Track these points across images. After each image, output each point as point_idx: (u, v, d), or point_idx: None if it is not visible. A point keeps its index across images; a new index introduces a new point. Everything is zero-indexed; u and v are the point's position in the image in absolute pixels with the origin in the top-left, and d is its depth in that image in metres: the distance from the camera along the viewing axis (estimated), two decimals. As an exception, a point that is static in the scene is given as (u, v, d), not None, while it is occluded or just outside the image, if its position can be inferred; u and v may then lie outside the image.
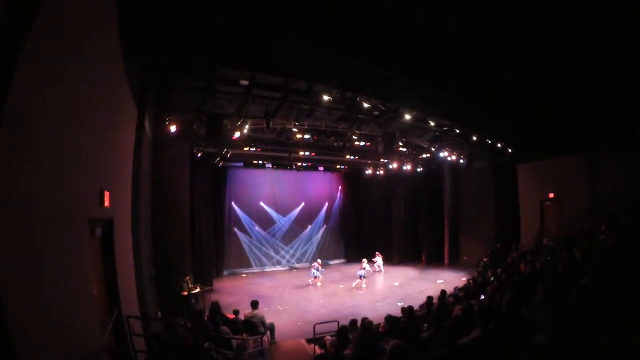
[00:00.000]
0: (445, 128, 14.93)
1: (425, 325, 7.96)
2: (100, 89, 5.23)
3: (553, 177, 17.14)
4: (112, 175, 6.32)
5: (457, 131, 15.10)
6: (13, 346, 2.64)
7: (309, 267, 19.23)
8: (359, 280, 17.51)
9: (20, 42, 2.96)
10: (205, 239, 17.17)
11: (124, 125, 7.15)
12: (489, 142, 16.64)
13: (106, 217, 5.99)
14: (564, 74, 12.65)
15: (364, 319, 8.11)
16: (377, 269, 20.56)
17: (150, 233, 10.63)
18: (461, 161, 18.66)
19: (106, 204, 5.63)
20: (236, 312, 10.34)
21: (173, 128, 11.38)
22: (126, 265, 7.03)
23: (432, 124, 13.84)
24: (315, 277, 18.06)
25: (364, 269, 18.06)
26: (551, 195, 17.27)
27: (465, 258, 21.38)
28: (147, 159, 9.94)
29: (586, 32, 10.31)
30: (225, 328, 8.85)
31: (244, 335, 9.43)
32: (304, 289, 17.67)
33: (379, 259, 21.09)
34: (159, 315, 10.23)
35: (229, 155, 16.33)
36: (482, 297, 8.94)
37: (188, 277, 12.44)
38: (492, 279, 11.38)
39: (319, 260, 18.94)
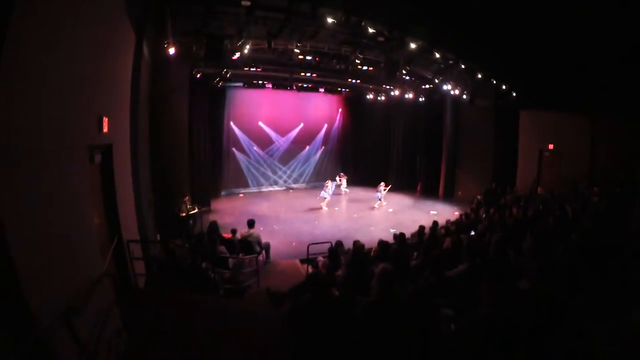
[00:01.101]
0: (450, 62, 14.46)
1: (415, 254, 8.27)
2: (97, 14, 5.05)
3: (555, 130, 16.91)
4: (110, 101, 6.25)
5: (463, 66, 14.68)
6: (16, 273, 2.75)
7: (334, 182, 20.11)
8: (379, 201, 19.19)
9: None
10: (204, 159, 17.28)
11: (122, 50, 6.96)
12: (494, 82, 16.23)
13: (105, 143, 6.02)
14: (578, 30, 12.07)
15: (356, 242, 8.39)
16: (343, 192, 21.72)
17: (148, 157, 10.70)
18: (464, 97, 18.23)
19: (105, 130, 5.64)
20: (234, 232, 10.65)
21: (172, 50, 10.93)
22: (126, 191, 7.16)
23: (437, 56, 13.41)
24: (331, 194, 18.88)
25: (381, 192, 19.22)
26: (551, 146, 17.18)
27: (459, 193, 21.59)
28: (146, 83, 9.76)
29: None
30: (222, 248, 9.22)
31: (240, 254, 9.83)
32: (299, 209, 18.17)
33: (343, 181, 22.21)
34: (158, 238, 10.59)
35: (228, 75, 15.98)
36: (472, 233, 9.20)
37: (187, 198, 12.69)
38: (484, 216, 11.66)
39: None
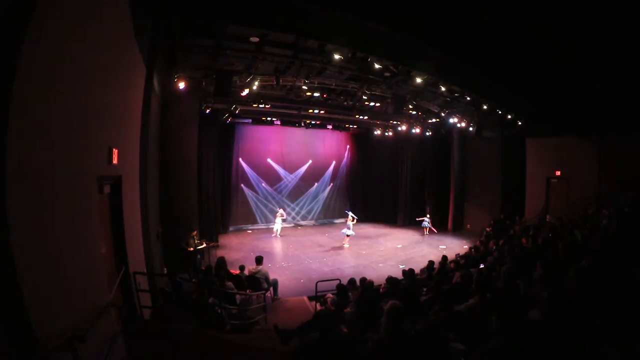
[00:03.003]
0: (456, 94, 14.64)
1: (425, 289, 8.13)
2: (109, 47, 5.16)
3: (561, 156, 16.95)
4: (120, 132, 6.30)
5: (468, 98, 14.82)
6: (23, 300, 2.74)
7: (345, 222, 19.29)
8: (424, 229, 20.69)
9: (33, 2, 2.94)
10: (212, 195, 17.31)
11: (133, 83, 7.08)
12: (500, 112, 16.30)
13: (114, 175, 6.03)
14: (582, 55, 12.24)
15: (364, 279, 8.30)
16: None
17: (157, 190, 10.75)
18: (470, 129, 18.37)
19: (114, 161, 5.66)
20: (242, 268, 10.55)
21: (182, 85, 11.27)
22: (134, 222, 7.13)
23: (443, 89, 13.59)
24: (347, 235, 18.16)
25: (426, 221, 20.67)
26: (558, 173, 17.16)
27: (468, 226, 21.53)
28: (156, 116, 9.93)
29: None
30: (229, 284, 9.08)
31: (248, 290, 9.69)
32: (308, 246, 17.95)
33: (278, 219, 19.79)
34: (165, 271, 10.48)
35: (237, 111, 16.24)
36: (482, 266, 9.04)
37: (195, 232, 12.65)
38: (494, 248, 11.49)
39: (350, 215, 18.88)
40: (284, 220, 20.84)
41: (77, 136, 4.12)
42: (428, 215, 21.10)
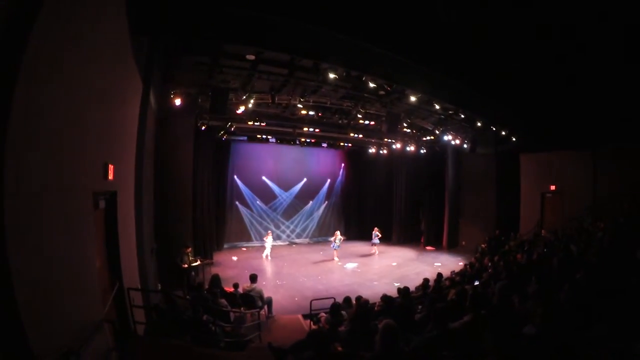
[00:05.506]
0: (450, 112, 14.77)
1: (420, 306, 8.10)
2: (106, 64, 5.23)
3: (556, 170, 17.11)
4: (116, 148, 6.33)
5: (462, 116, 14.96)
6: (19, 314, 2.76)
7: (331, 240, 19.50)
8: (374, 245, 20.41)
9: (32, 19, 3.00)
10: (207, 212, 17.29)
11: (129, 99, 7.15)
12: (494, 129, 16.45)
13: (110, 190, 6.04)
14: (575, 68, 12.48)
15: (359, 298, 8.26)
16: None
17: (152, 206, 10.70)
18: (465, 146, 18.54)
19: (110, 177, 5.68)
20: (236, 286, 10.47)
21: (178, 101, 11.38)
22: (128, 238, 7.13)
23: (437, 107, 13.71)
24: (335, 249, 18.57)
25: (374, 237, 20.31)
26: (553, 187, 17.28)
27: (463, 243, 21.51)
28: (151, 132, 9.93)
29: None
30: (223, 301, 9.01)
31: (242, 308, 9.61)
32: (302, 264, 17.86)
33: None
34: (159, 287, 10.40)
35: (233, 129, 16.29)
36: (477, 282, 9.03)
37: (189, 249, 12.55)
38: (489, 265, 11.49)
39: (338, 232, 19.30)
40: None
41: (73, 152, 4.15)
42: (376, 230, 20.56)
